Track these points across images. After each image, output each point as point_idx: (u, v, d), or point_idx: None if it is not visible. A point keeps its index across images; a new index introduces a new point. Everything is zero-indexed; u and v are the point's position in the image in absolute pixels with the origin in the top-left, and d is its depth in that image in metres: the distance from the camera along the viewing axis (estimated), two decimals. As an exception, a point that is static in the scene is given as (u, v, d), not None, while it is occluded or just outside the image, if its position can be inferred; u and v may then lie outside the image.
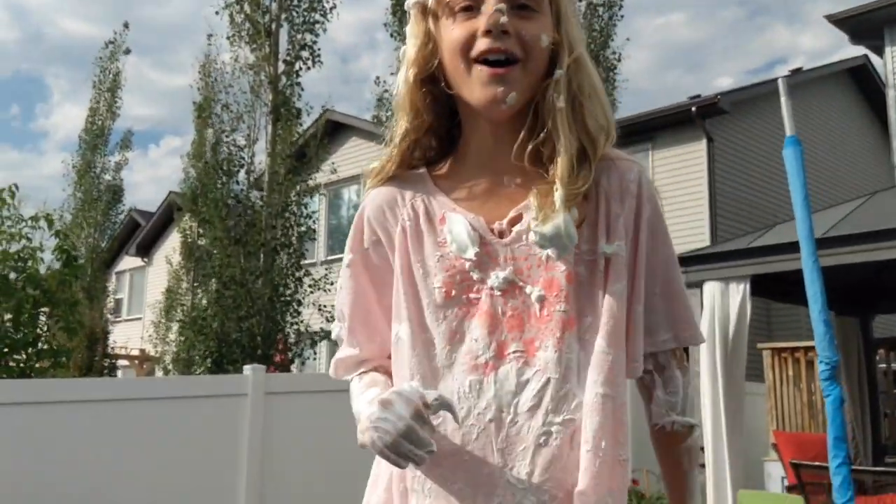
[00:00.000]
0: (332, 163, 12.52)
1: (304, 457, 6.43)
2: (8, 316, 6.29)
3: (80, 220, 18.79)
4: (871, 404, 7.60)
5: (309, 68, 10.61)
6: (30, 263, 6.69)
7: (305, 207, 10.88)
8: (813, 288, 3.73)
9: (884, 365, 8.17)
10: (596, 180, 1.15)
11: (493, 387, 1.08)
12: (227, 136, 10.52)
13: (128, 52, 19.21)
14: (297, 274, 10.36)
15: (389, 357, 1.20)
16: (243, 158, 10.47)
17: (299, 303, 10.49)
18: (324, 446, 6.51)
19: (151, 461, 5.36)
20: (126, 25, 19.31)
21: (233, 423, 6.28)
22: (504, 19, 1.09)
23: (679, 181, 14.36)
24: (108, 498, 5.08)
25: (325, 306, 11.50)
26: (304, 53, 10.66)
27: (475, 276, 1.12)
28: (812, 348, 5.96)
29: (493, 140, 1.17)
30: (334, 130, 18.02)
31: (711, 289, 6.09)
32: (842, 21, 12.69)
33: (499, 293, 1.11)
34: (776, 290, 6.46)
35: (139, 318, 22.19)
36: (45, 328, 6.78)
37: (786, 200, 3.87)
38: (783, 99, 3.88)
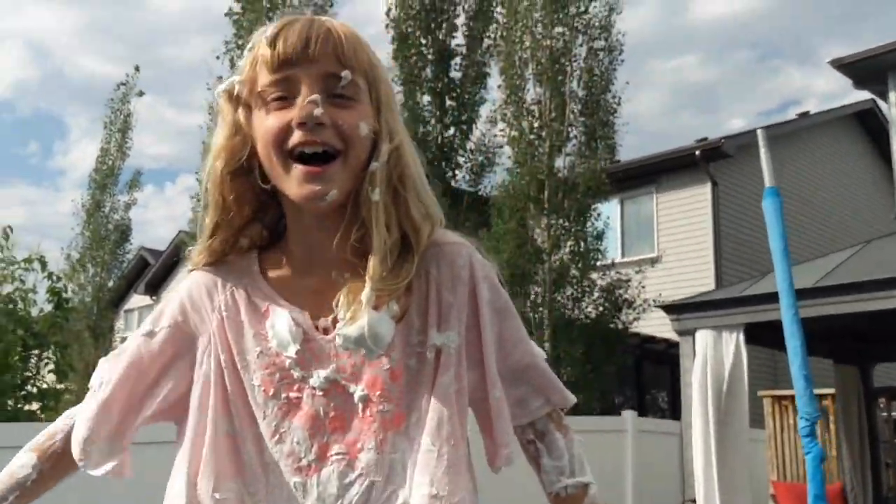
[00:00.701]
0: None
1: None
2: (-4, 358, 6.26)
3: (88, 259, 18.88)
4: (872, 454, 7.45)
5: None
6: (21, 305, 6.69)
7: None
8: (793, 342, 3.67)
9: (885, 414, 8.03)
10: (425, 269, 1.11)
11: (315, 489, 1.04)
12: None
13: (141, 94, 19.45)
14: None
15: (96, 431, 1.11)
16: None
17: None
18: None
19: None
20: (137, 69, 19.58)
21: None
22: (319, 111, 1.03)
23: (684, 225, 14.32)
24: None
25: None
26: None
27: (296, 374, 1.07)
28: (817, 396, 5.86)
29: (319, 232, 1.11)
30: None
31: (704, 337, 6.02)
32: (846, 66, 12.67)
33: (321, 393, 1.06)
34: (771, 338, 6.36)
35: (146, 357, 22.17)
36: (36, 370, 6.76)
37: (791, 245, 3.83)
38: (762, 150, 3.86)
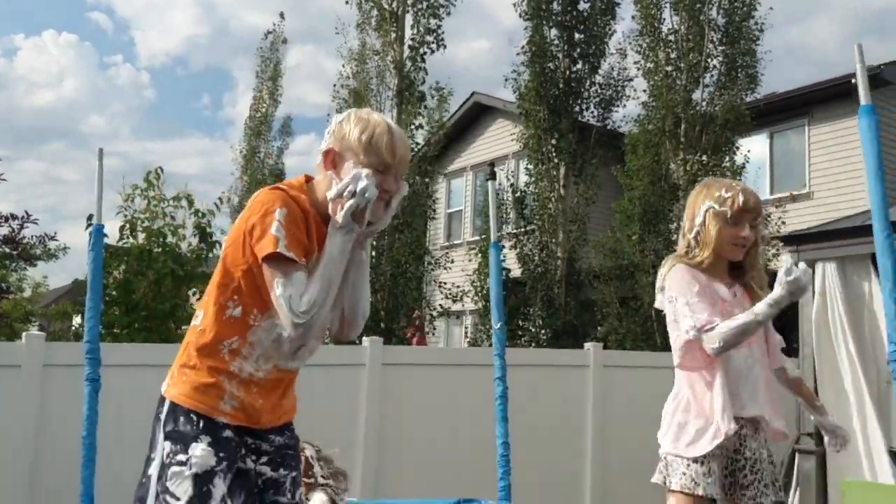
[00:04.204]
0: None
1: (419, 424, 6.76)
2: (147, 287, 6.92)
3: (247, 203, 20.07)
4: None
5: (433, 52, 10.85)
6: (171, 239, 7.33)
7: (427, 188, 11.18)
8: (884, 264, 3.54)
9: None
10: None
11: (737, 356, 2.51)
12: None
13: (285, 41, 20.26)
14: (418, 252, 10.73)
15: None
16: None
17: (420, 280, 10.86)
18: (438, 415, 6.82)
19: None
20: (282, 16, 20.40)
21: (352, 390, 6.70)
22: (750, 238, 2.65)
23: (838, 158, 13.50)
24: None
25: (444, 284, 11.75)
26: (429, 38, 10.91)
27: (731, 308, 2.52)
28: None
29: (725, 263, 2.68)
30: (481, 113, 18.32)
31: (824, 269, 5.79)
32: None
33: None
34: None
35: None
36: (185, 299, 7.42)
37: None
38: (858, 66, 3.68)
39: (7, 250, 7.04)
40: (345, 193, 1.89)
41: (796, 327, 6.34)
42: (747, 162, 11.47)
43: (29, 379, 5.08)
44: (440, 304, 11.63)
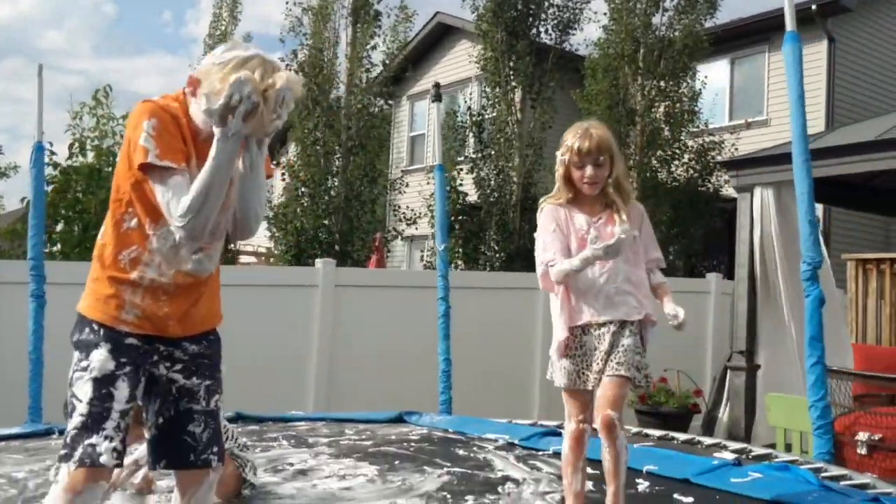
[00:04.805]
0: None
1: (369, 343, 6.96)
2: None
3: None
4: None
5: (388, -30, 10.68)
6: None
7: (381, 109, 11.12)
8: (801, 187, 3.70)
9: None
10: (629, 210, 2.99)
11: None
12: (307, 40, 10.75)
13: (245, -43, 19.61)
14: (372, 175, 10.74)
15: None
16: (323, 61, 10.72)
17: (374, 202, 10.91)
18: (387, 333, 7.01)
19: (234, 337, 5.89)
20: (243, -74, 19.60)
21: (305, 310, 6.85)
22: (594, 175, 2.92)
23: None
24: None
25: (399, 208, 11.81)
26: (385, -46, 10.69)
27: (585, 234, 2.89)
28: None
29: (588, 196, 3.01)
30: (445, 34, 18.02)
31: (761, 194, 5.96)
32: None
33: (594, 238, 2.86)
34: (832, 194, 6.22)
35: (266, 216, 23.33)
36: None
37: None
38: (786, -8, 3.77)
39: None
40: (232, 100, 1.88)
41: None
42: (704, 87, 11.54)
43: (-25, 296, 5.13)
44: (394, 228, 11.72)
